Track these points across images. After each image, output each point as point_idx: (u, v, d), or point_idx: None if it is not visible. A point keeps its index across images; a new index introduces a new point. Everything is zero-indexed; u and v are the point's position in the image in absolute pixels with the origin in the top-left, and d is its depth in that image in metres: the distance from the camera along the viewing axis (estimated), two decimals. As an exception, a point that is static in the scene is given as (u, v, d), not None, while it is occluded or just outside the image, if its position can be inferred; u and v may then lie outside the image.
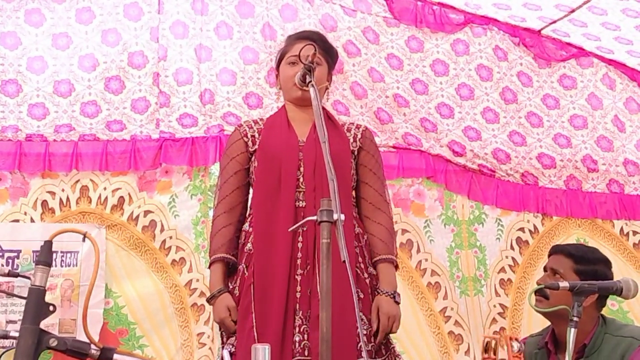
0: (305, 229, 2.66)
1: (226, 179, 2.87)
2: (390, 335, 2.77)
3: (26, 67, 3.91)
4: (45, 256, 1.74)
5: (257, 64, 4.10)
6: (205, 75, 4.05)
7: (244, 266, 2.74)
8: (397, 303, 2.73)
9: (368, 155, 2.91)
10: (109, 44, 3.99)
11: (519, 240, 4.42)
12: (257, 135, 2.88)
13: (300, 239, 2.70)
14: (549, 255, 3.01)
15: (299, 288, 2.65)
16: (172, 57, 4.04)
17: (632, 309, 4.36)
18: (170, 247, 3.94)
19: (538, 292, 2.84)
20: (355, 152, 2.89)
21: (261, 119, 2.98)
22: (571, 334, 2.36)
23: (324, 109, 2.90)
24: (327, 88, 2.95)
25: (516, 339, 2.78)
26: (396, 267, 2.84)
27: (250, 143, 2.87)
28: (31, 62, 3.91)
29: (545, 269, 2.98)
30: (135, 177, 3.96)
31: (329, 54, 2.94)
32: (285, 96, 2.93)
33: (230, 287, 2.76)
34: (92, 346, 1.73)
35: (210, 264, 2.80)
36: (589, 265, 2.92)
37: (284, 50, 2.93)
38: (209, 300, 2.78)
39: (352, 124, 3.02)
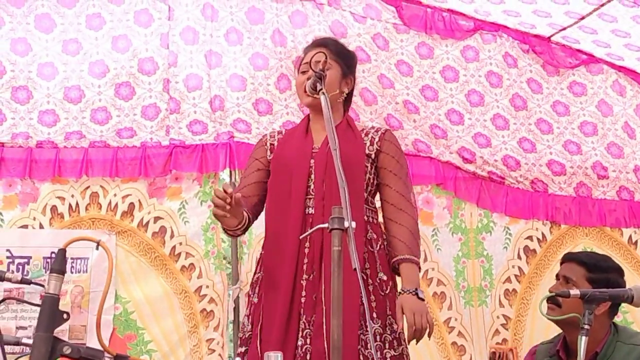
0: (312, 235, 2.68)
1: (247, 174, 2.92)
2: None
3: (36, 74, 3.92)
4: (59, 264, 1.75)
5: (267, 70, 4.11)
6: (215, 82, 4.06)
7: (261, 274, 2.79)
8: (421, 299, 2.68)
9: (387, 157, 2.87)
10: (119, 51, 4.00)
11: (526, 249, 4.40)
12: (275, 144, 2.92)
13: (307, 244, 2.70)
14: (561, 263, 3.00)
15: (303, 293, 2.65)
16: (182, 63, 4.05)
17: (637, 319, 4.33)
18: (180, 253, 3.94)
19: (550, 300, 2.83)
20: (373, 156, 2.87)
21: (286, 130, 3.03)
22: (582, 342, 2.35)
23: (345, 114, 2.93)
24: (342, 93, 2.93)
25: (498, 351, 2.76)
26: (419, 267, 2.79)
27: (269, 152, 2.91)
28: (41, 69, 3.93)
29: (557, 277, 2.96)
30: (145, 183, 3.97)
31: (342, 57, 2.93)
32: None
33: (250, 291, 2.81)
34: (106, 354, 1.73)
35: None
36: (602, 273, 2.91)
37: (301, 58, 2.96)
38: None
39: (373, 127, 3.00)
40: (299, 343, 2.60)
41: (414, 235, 2.80)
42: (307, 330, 2.62)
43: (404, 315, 2.64)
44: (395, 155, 2.90)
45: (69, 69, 3.95)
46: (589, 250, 4.40)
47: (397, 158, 2.90)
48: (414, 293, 2.68)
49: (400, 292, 2.71)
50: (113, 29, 4.02)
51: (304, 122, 2.95)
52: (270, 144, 2.93)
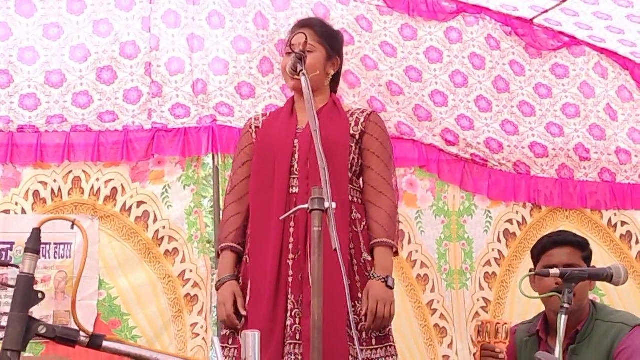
0: (297, 215, 2.67)
1: (236, 170, 2.97)
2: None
3: (17, 58, 3.88)
4: (33, 244, 1.74)
5: (250, 54, 4.09)
6: (198, 65, 4.04)
7: (247, 256, 2.81)
8: (390, 288, 2.71)
9: (372, 139, 2.90)
10: (101, 35, 3.97)
11: (506, 232, 4.40)
12: (260, 126, 2.95)
13: (292, 224, 2.73)
14: (548, 249, 2.94)
15: (290, 273, 2.68)
16: (164, 47, 4.02)
17: (613, 302, 4.33)
18: (163, 238, 3.93)
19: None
20: (357, 137, 2.88)
21: (271, 112, 3.05)
22: (562, 321, 2.37)
23: (331, 95, 2.94)
24: (327, 74, 2.94)
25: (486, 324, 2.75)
26: (395, 252, 2.82)
27: (254, 135, 2.94)
28: (22, 53, 3.89)
29: (550, 267, 2.76)
30: (127, 167, 3.95)
31: (327, 39, 2.93)
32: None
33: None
34: (82, 333, 1.73)
35: (219, 253, 2.85)
36: (588, 249, 2.96)
37: (286, 40, 2.98)
38: (217, 286, 2.82)
39: (359, 109, 3.04)
40: (288, 323, 2.63)
41: (392, 218, 2.82)
42: (296, 310, 2.64)
43: (368, 301, 2.67)
44: (380, 137, 2.92)
45: (50, 53, 3.91)
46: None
47: (380, 140, 2.92)
48: (383, 280, 2.70)
49: (370, 277, 2.72)
50: (94, 12, 3.98)
51: (289, 104, 2.97)
52: (255, 127, 2.96)
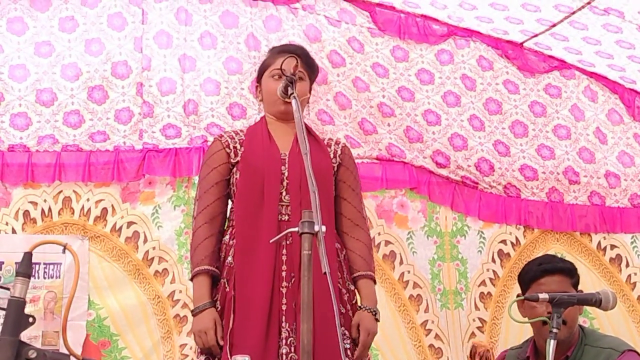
0: (290, 242, 2.67)
1: (206, 189, 2.83)
2: (372, 346, 2.78)
3: (8, 75, 3.88)
4: (25, 267, 1.73)
5: (241, 74, 4.10)
6: (189, 86, 4.05)
7: (225, 280, 2.72)
8: (377, 320, 2.74)
9: (347, 172, 2.92)
10: (92, 54, 3.98)
11: (500, 252, 4.40)
12: (239, 146, 2.86)
13: (284, 252, 2.69)
14: (539, 277, 2.92)
15: (284, 300, 2.64)
16: (155, 67, 4.03)
17: (602, 325, 4.34)
18: (153, 258, 3.92)
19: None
20: (335, 168, 2.89)
21: (242, 130, 2.96)
22: (551, 346, 2.37)
23: (304, 123, 2.92)
24: (307, 102, 2.96)
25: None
26: (374, 282, 2.84)
27: (232, 154, 2.85)
28: (13, 70, 3.89)
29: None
30: (118, 188, 3.94)
31: (311, 69, 2.95)
32: (266, 109, 2.92)
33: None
34: (72, 358, 1.72)
35: (193, 276, 2.74)
36: (576, 275, 2.96)
37: (267, 62, 2.92)
38: (194, 313, 2.72)
39: (332, 139, 3.03)
40: (284, 351, 2.59)
41: (370, 250, 2.87)
42: (290, 339, 2.61)
43: (359, 333, 2.68)
44: (354, 170, 2.97)
45: (41, 70, 3.92)
46: (559, 255, 4.44)
47: (354, 174, 2.96)
48: (372, 312, 2.72)
49: (360, 307, 2.74)
50: (86, 32, 3.99)
51: (263, 126, 2.89)
52: (233, 147, 2.86)
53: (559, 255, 4.33)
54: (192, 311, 2.76)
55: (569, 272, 2.95)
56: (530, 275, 2.98)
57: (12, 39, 3.91)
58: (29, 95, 3.89)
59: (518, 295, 2.94)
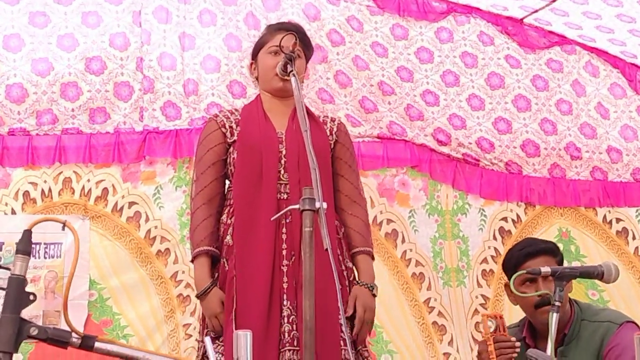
0: (289, 220, 2.67)
1: (204, 169, 2.83)
2: (376, 324, 2.78)
3: (2, 46, 3.84)
4: (24, 245, 1.73)
5: (241, 52, 4.08)
6: (189, 64, 4.02)
7: (225, 259, 2.72)
8: (374, 296, 2.74)
9: (344, 148, 2.92)
10: (90, 26, 3.93)
11: (501, 230, 4.41)
12: (234, 126, 2.84)
13: (284, 230, 2.69)
14: (522, 263, 2.91)
15: (285, 279, 2.64)
16: (155, 41, 3.99)
17: (612, 297, 4.36)
18: (155, 237, 3.91)
19: (545, 304, 2.75)
20: (332, 145, 2.89)
21: (237, 110, 2.95)
22: (553, 319, 2.36)
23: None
24: (303, 80, 2.95)
25: (491, 317, 2.74)
26: (372, 258, 2.84)
27: (228, 134, 2.83)
28: (7, 40, 3.84)
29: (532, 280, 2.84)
30: (119, 168, 3.93)
31: (307, 48, 2.94)
32: (263, 86, 2.90)
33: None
34: (73, 334, 1.72)
35: (194, 258, 2.75)
36: (559, 252, 2.98)
37: (263, 39, 2.90)
38: (199, 297, 2.72)
39: (327, 117, 3.03)
40: (285, 329, 2.59)
41: (368, 227, 2.88)
42: (292, 317, 2.61)
43: (356, 308, 2.68)
44: (350, 147, 2.97)
45: (36, 40, 3.86)
46: (564, 230, 4.44)
47: (351, 150, 2.97)
48: (369, 288, 2.72)
49: (357, 283, 2.75)
50: (83, 4, 3.94)
51: (258, 104, 2.88)
52: (229, 126, 2.84)
53: (564, 230, 4.37)
54: (196, 295, 2.75)
55: (552, 251, 2.95)
56: (513, 262, 2.96)
57: (5, 9, 3.85)
58: (24, 65, 3.83)
59: (506, 284, 2.94)
